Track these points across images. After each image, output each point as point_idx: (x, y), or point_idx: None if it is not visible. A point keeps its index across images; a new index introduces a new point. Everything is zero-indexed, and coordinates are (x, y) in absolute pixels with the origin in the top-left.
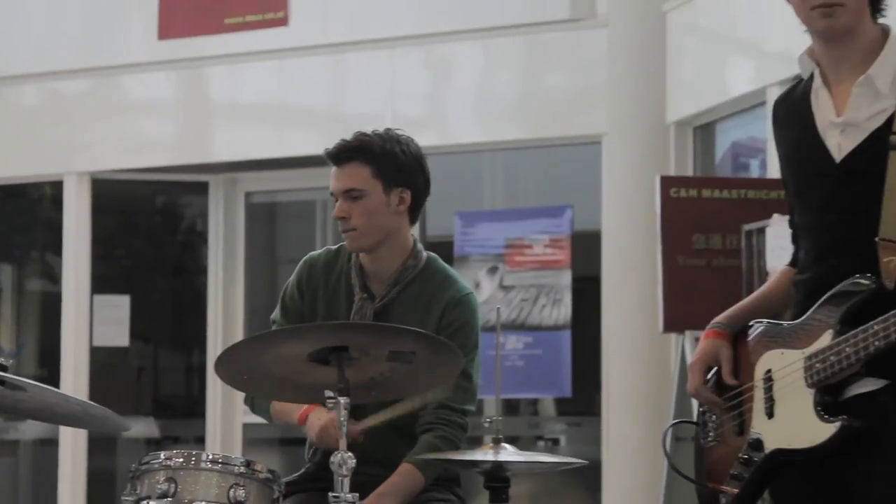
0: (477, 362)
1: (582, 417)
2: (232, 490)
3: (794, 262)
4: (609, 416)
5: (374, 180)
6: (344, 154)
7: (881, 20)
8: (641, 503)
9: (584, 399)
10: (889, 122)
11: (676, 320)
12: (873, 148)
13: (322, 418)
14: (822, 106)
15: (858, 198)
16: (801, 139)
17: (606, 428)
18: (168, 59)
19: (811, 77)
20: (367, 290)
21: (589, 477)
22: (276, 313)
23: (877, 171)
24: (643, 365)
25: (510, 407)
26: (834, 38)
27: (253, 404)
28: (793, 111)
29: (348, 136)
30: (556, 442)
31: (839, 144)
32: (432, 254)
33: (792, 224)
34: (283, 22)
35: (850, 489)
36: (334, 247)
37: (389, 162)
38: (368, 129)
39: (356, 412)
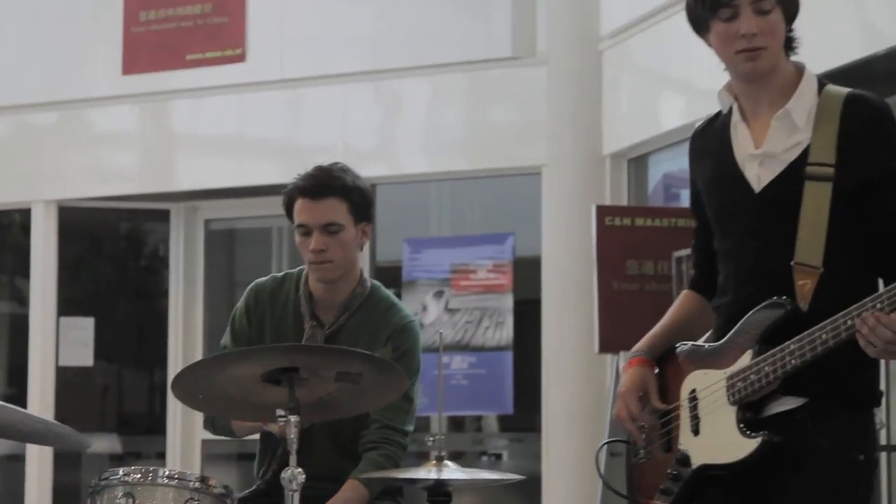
0: (418, 386)
1: (523, 433)
2: None
3: (693, 286)
4: (548, 432)
5: (349, 215)
6: (323, 189)
7: (793, 57)
8: None
9: (525, 416)
10: (805, 153)
11: (611, 341)
12: (790, 178)
13: None
14: (741, 139)
15: (777, 226)
16: (721, 170)
17: (546, 443)
18: (132, 93)
19: (730, 111)
20: (315, 318)
21: (529, 490)
22: (226, 339)
23: (793, 200)
24: (580, 384)
25: (456, 423)
26: (756, 79)
27: (214, 426)
28: (712, 143)
29: (303, 168)
30: (498, 457)
31: (758, 175)
32: (375, 282)
33: (696, 248)
34: (240, 58)
35: (770, 498)
36: (279, 274)
37: (359, 197)
38: (322, 162)
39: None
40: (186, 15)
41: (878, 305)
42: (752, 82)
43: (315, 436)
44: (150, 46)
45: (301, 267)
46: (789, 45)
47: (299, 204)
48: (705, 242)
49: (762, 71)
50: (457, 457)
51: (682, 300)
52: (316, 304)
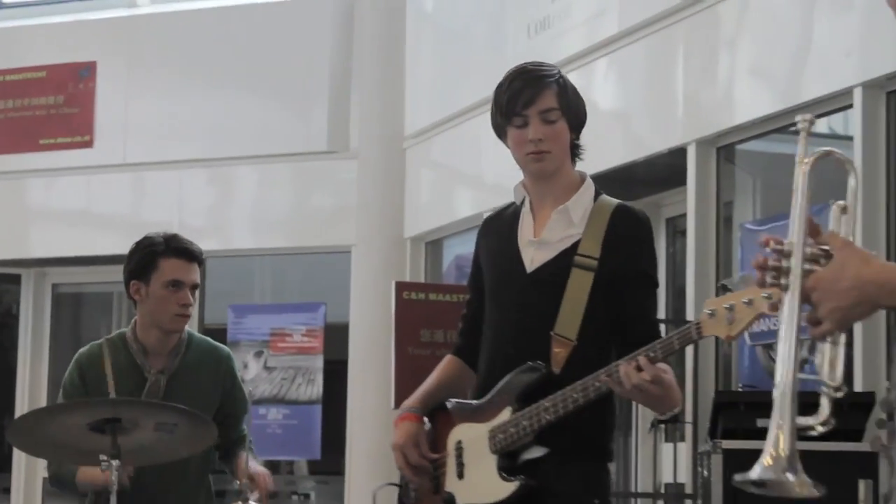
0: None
1: (329, 476)
2: None
3: (456, 352)
4: (351, 475)
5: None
6: (197, 255)
7: (579, 163)
8: None
9: (331, 461)
10: (575, 245)
11: (405, 398)
12: (559, 263)
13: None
14: (525, 227)
15: (539, 301)
16: (503, 250)
17: (349, 485)
18: None
19: (523, 202)
20: (150, 367)
21: None
22: (59, 401)
23: (559, 282)
24: (379, 434)
25: (271, 466)
26: (542, 178)
27: (57, 478)
28: (500, 228)
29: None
30: (307, 496)
31: (532, 258)
32: (188, 329)
33: (465, 319)
34: (89, 144)
35: None
36: (97, 342)
37: (202, 270)
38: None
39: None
40: (41, 105)
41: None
42: (539, 180)
43: (142, 477)
44: (6, 131)
45: (118, 331)
46: (575, 152)
47: (173, 263)
48: (475, 314)
49: (547, 171)
50: (271, 496)
51: (446, 364)
52: (148, 354)
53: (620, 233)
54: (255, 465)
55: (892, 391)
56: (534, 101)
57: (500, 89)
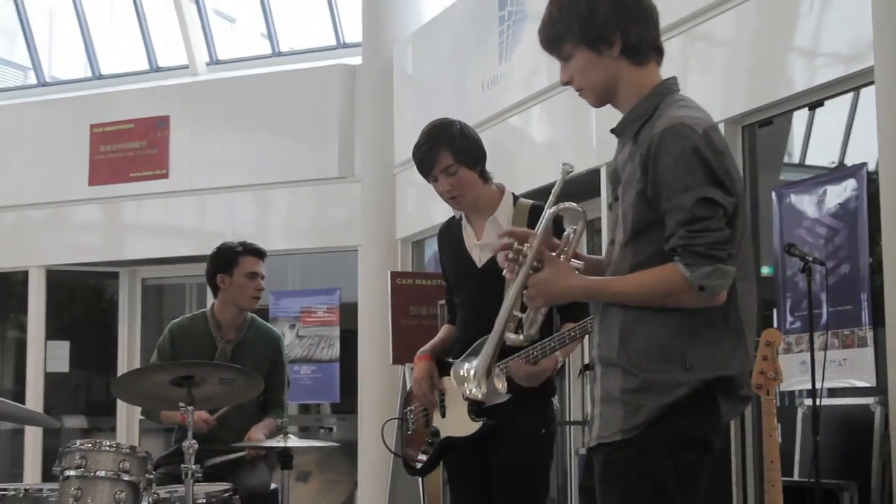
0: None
1: (347, 415)
2: (121, 463)
3: (449, 321)
4: (363, 414)
5: None
6: (265, 254)
7: (496, 182)
8: (382, 469)
9: (348, 403)
10: None
11: (400, 358)
12: None
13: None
14: (468, 234)
15: (492, 289)
16: (457, 253)
17: (361, 421)
18: (95, 197)
19: (461, 216)
20: (222, 337)
21: (350, 451)
22: (154, 357)
23: (502, 271)
24: (382, 382)
25: (305, 408)
26: (466, 209)
27: (148, 416)
28: (451, 236)
29: (208, 246)
30: (330, 429)
31: (479, 257)
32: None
33: (448, 301)
34: (165, 176)
35: (488, 459)
36: (187, 315)
37: None
38: (220, 240)
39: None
40: (130, 148)
41: (568, 336)
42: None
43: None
44: (107, 167)
45: (203, 309)
46: (485, 176)
47: (249, 259)
48: (452, 295)
49: (464, 206)
50: (304, 429)
51: (445, 330)
52: (220, 327)
53: (535, 225)
54: (256, 432)
55: (592, 351)
56: (434, 166)
57: (414, 155)
